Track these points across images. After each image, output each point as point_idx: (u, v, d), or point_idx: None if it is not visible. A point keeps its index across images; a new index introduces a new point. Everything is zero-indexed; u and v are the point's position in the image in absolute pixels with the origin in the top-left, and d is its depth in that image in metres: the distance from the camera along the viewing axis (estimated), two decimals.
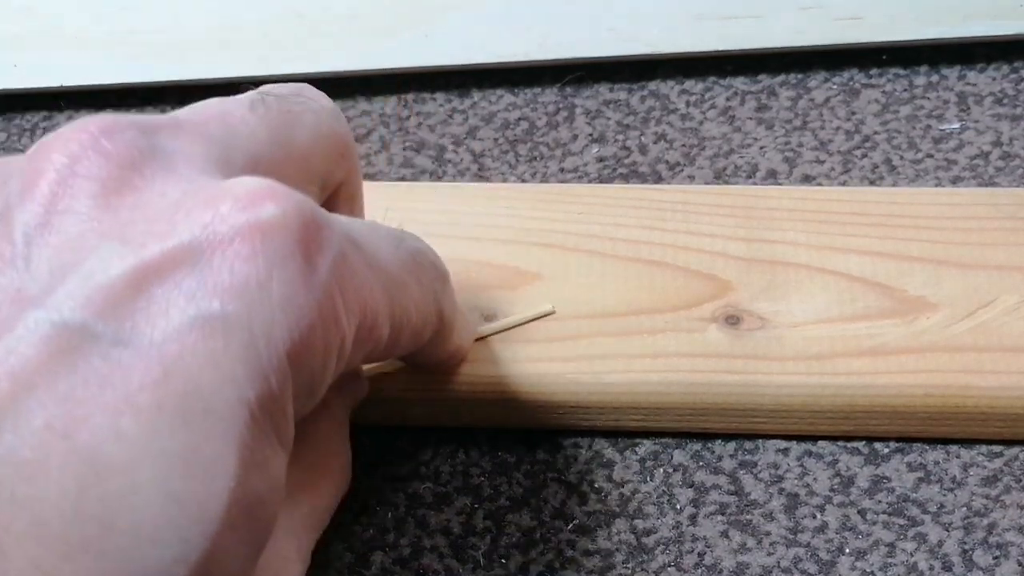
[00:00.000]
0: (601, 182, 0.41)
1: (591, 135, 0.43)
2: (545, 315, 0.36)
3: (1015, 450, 0.34)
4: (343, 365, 0.26)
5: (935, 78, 0.43)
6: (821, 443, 0.35)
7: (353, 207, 0.31)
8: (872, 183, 0.41)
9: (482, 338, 0.35)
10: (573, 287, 0.36)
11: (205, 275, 0.23)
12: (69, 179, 0.24)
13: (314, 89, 0.30)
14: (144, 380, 0.22)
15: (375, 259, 0.27)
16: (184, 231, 0.23)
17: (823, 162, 0.41)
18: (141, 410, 0.22)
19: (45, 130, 0.44)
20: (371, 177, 0.42)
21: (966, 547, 0.33)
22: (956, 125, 0.42)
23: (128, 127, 0.25)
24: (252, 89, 0.29)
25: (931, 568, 0.32)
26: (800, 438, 0.35)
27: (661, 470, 0.35)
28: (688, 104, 0.43)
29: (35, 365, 0.22)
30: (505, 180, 0.42)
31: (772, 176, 0.41)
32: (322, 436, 0.30)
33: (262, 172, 0.27)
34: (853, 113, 0.43)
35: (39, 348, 0.22)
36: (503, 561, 0.33)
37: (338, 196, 0.31)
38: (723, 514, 0.34)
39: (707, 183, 0.41)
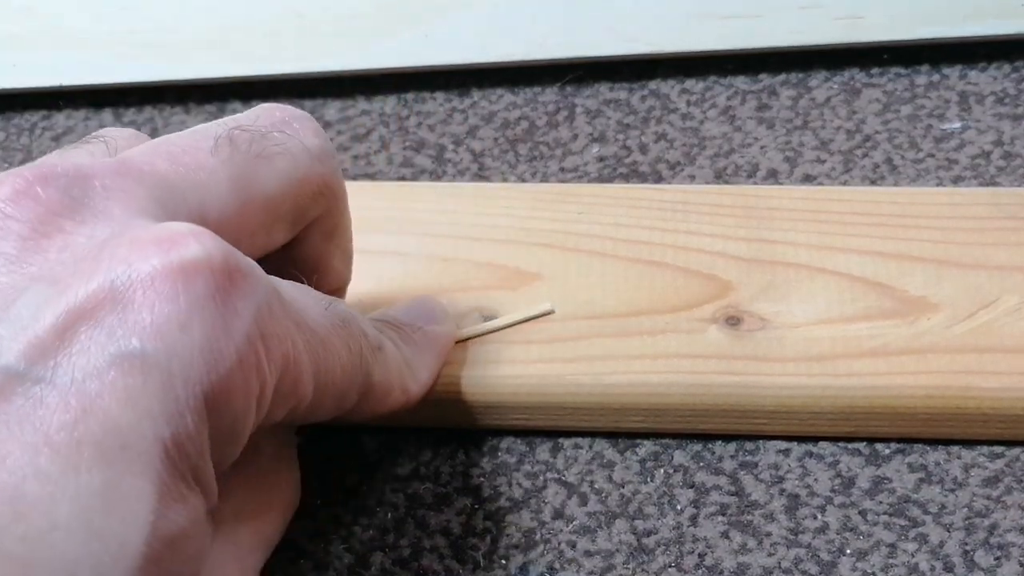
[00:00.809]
0: (601, 182, 0.41)
1: (591, 135, 0.43)
2: (545, 314, 0.36)
3: (1016, 451, 0.34)
4: (263, 415, 0.26)
5: (936, 77, 0.43)
6: (822, 444, 0.35)
7: (330, 242, 0.31)
8: (873, 183, 0.41)
9: (480, 336, 0.35)
10: (573, 287, 0.36)
11: (127, 313, 0.23)
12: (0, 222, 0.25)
13: (306, 120, 0.30)
14: (64, 419, 0.23)
15: (301, 316, 0.27)
16: (108, 270, 0.24)
17: (824, 162, 0.41)
18: (60, 448, 0.22)
19: (44, 129, 0.44)
20: (371, 177, 0.42)
21: (967, 548, 0.33)
22: (957, 124, 0.42)
23: (63, 175, 0.25)
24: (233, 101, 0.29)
25: (932, 569, 0.32)
26: (801, 439, 0.35)
27: (661, 471, 0.35)
28: (688, 104, 0.43)
29: None
30: (505, 180, 0.42)
31: (773, 176, 0.41)
32: (266, 458, 0.30)
33: (213, 217, 0.27)
34: (854, 112, 0.43)
35: None
36: (503, 562, 0.33)
37: (313, 230, 0.30)
38: (724, 515, 0.34)
39: (707, 183, 0.41)
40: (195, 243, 0.24)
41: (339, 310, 0.29)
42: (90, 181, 0.26)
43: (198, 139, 0.28)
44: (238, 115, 0.29)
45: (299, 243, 0.30)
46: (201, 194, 0.27)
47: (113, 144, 0.28)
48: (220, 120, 0.29)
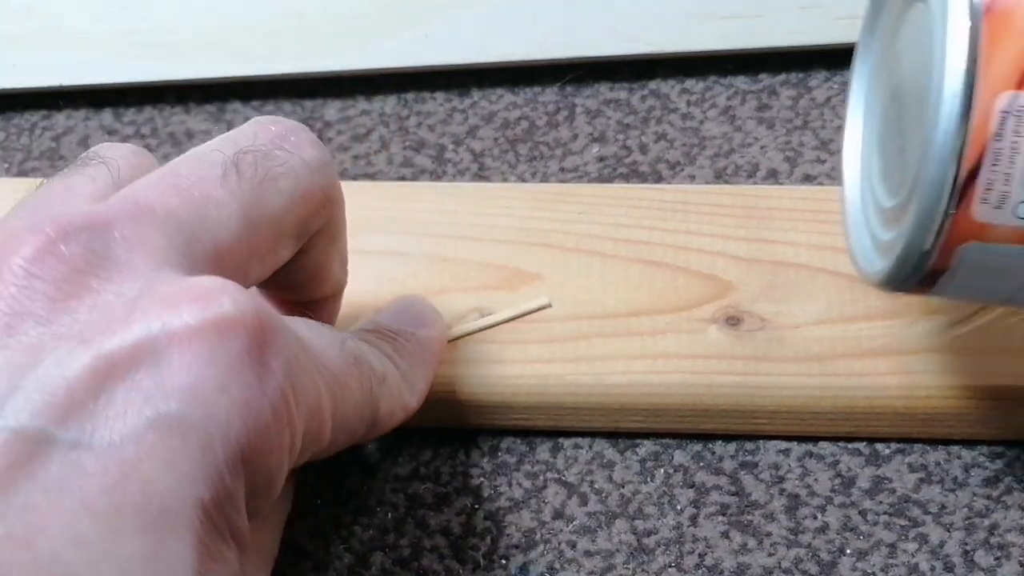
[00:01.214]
0: (601, 182, 0.41)
1: (591, 134, 0.43)
2: (542, 308, 0.35)
3: (1016, 451, 0.34)
4: (293, 464, 0.26)
5: None
6: (822, 444, 0.35)
7: (331, 249, 0.31)
8: None
9: (477, 332, 0.35)
10: (573, 287, 0.36)
11: (163, 375, 0.23)
12: (25, 281, 0.24)
13: (302, 133, 0.29)
14: (103, 484, 0.22)
15: (321, 361, 0.27)
16: (141, 329, 0.23)
17: (824, 161, 0.41)
18: (100, 515, 0.22)
19: (44, 129, 0.44)
20: (371, 177, 0.42)
21: (967, 548, 0.33)
22: None
23: (83, 227, 0.25)
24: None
25: (932, 569, 0.32)
26: (801, 439, 0.35)
27: (662, 471, 0.35)
28: (688, 103, 0.43)
29: None
30: (505, 180, 0.42)
31: (773, 176, 0.41)
32: None
33: (226, 249, 0.27)
34: None
35: None
36: (503, 562, 0.33)
37: (317, 239, 0.30)
38: (724, 515, 0.34)
39: (708, 183, 0.41)
40: (228, 300, 0.24)
41: (351, 347, 0.29)
42: (109, 232, 0.25)
43: (204, 168, 0.27)
44: (235, 134, 0.29)
45: (303, 253, 0.30)
46: (213, 230, 0.27)
47: (115, 166, 0.28)
48: (220, 140, 0.29)
